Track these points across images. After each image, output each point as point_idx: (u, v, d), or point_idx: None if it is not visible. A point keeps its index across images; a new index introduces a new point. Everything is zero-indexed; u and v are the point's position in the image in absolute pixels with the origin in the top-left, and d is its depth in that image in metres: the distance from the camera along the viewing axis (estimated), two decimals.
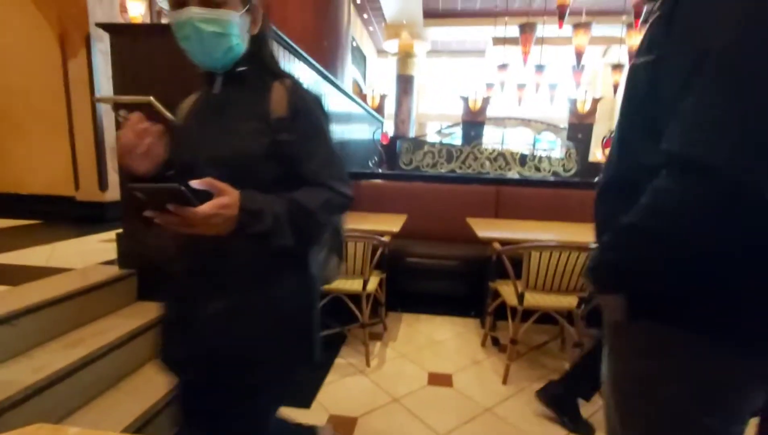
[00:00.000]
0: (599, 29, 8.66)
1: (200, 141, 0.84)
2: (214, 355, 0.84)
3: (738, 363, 0.57)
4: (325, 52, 3.50)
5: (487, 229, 2.59)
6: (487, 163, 3.88)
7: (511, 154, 4.01)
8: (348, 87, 4.30)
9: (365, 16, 11.64)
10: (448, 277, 3.25)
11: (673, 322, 0.61)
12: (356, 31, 11.21)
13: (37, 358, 1.48)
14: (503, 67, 10.36)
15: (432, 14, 10.96)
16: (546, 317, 2.21)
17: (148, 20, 4.26)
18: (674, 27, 0.54)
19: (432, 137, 10.44)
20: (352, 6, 10.01)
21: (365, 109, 4.59)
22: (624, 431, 0.69)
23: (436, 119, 15.84)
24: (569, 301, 2.13)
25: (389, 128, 11.80)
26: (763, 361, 0.57)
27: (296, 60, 2.24)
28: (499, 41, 10.65)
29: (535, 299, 2.14)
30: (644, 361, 0.64)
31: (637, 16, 5.50)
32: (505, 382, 2.14)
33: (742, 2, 0.47)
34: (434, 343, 2.60)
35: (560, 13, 5.21)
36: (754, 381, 0.59)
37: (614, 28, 9.36)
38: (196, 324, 0.85)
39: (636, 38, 7.16)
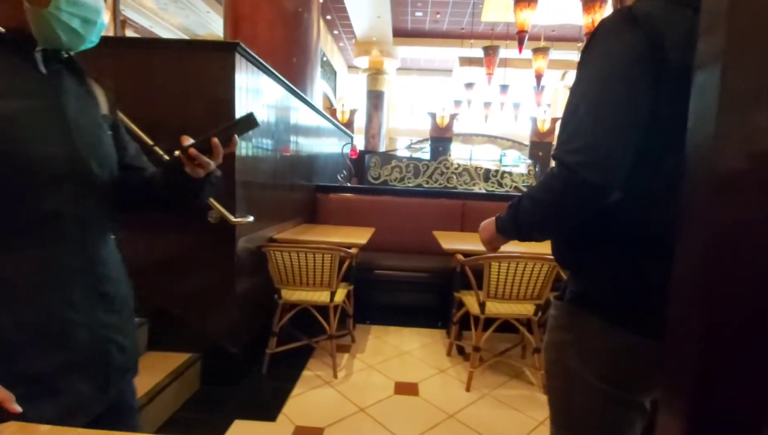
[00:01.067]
0: (557, 54, 9.23)
1: (72, 132, 0.70)
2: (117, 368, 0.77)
3: (625, 340, 0.71)
4: (295, 68, 3.56)
5: (452, 241, 2.70)
6: (454, 177, 4.03)
7: (476, 169, 4.18)
8: (318, 102, 4.37)
9: (336, 32, 11.84)
10: (415, 289, 3.32)
11: (577, 302, 0.78)
12: (326, 46, 11.36)
13: None
14: (470, 85, 10.80)
15: (401, 33, 11.31)
16: (507, 326, 2.31)
17: (111, 33, 4.18)
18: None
19: (402, 152, 10.64)
20: (322, 22, 10.17)
21: (334, 124, 4.66)
22: (548, 393, 0.86)
23: (406, 134, 16.17)
24: (527, 309, 2.25)
25: (360, 143, 11.93)
26: (646, 339, 0.67)
27: (265, 76, 2.29)
28: (465, 61, 11.11)
29: (496, 308, 2.24)
30: (560, 333, 0.81)
31: None
32: (468, 388, 2.21)
33: (599, 67, 0.70)
34: (401, 353, 2.65)
35: (520, 39, 5.53)
36: (642, 358, 0.70)
37: (571, 54, 9.99)
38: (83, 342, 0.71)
39: None
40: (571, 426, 0.80)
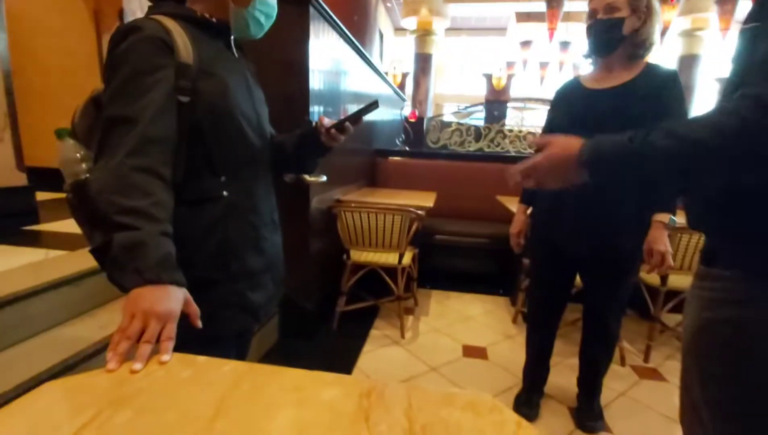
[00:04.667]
0: None
1: (254, 102, 0.92)
2: None
3: None
4: (356, 27, 3.45)
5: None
6: (517, 142, 3.84)
7: (532, 135, 3.95)
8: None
9: None
10: (476, 256, 3.26)
11: (756, 271, 0.63)
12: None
13: (100, 316, 1.56)
14: (526, 44, 10.08)
15: None
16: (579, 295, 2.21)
17: None
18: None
19: (448, 118, 10.22)
20: None
21: (391, 87, 4.54)
22: (704, 381, 0.71)
23: (452, 100, 15.53)
24: None
25: (408, 109, 11.62)
26: None
27: (335, 35, 2.22)
28: (522, 17, 10.32)
29: None
30: (735, 309, 0.66)
31: None
32: None
33: None
34: (465, 318, 2.64)
35: None
36: None
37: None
38: None
39: (669, 13, 6.89)
40: (743, 414, 0.68)
